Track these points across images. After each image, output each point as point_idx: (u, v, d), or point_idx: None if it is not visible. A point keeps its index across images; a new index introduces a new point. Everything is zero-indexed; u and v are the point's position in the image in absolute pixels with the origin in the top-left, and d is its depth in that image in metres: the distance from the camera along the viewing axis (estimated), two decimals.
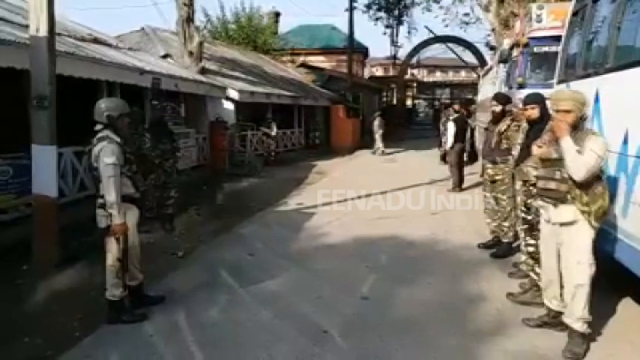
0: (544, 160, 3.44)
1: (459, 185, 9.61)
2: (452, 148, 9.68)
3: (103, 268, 3.93)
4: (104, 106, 3.91)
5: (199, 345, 3.52)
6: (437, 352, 3.45)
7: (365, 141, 20.77)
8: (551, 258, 3.52)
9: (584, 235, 3.31)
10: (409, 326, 3.83)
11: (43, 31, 4.95)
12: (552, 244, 3.48)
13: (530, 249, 4.27)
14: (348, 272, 5.07)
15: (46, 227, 5.03)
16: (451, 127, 9.80)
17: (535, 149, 3.48)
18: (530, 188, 4.18)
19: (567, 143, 3.21)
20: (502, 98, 5.70)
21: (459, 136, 9.61)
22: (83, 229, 5.32)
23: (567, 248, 3.36)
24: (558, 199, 3.33)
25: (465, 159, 9.86)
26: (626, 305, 4.03)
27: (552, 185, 3.35)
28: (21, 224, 5.54)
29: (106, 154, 3.69)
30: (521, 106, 4.72)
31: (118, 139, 3.85)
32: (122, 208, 3.75)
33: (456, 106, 11.03)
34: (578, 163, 3.17)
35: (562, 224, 3.36)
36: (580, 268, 3.30)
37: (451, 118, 10.41)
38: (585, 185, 3.23)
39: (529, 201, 4.20)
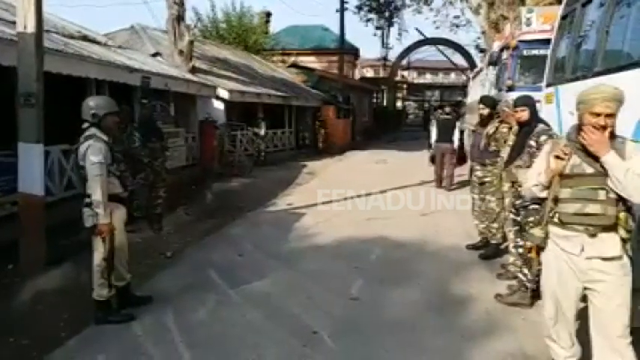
0: (567, 177, 2.63)
1: (438, 182, 10.19)
2: (434, 146, 10.49)
3: (89, 268, 3.88)
4: (92, 104, 3.87)
5: (188, 346, 3.50)
6: (426, 352, 3.46)
7: (356, 142, 20.85)
8: (572, 304, 2.73)
9: (627, 268, 2.61)
10: (398, 327, 3.83)
11: (31, 28, 4.88)
12: (574, 287, 2.69)
13: (520, 250, 4.31)
14: (338, 273, 5.07)
15: (32, 226, 4.96)
16: (434, 128, 10.57)
17: (553, 162, 2.63)
18: (519, 189, 4.22)
19: (615, 158, 2.51)
20: (489, 101, 5.75)
21: (442, 137, 10.21)
22: (70, 228, 5.25)
23: (611, 289, 2.59)
24: (601, 226, 2.57)
25: (451, 161, 10.22)
26: None
27: (596, 209, 2.55)
28: (7, 223, 5.45)
29: (92, 152, 3.65)
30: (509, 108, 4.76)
31: (105, 138, 3.81)
32: (109, 208, 3.71)
33: (447, 109, 11.31)
34: (637, 182, 2.45)
35: (604, 259, 2.58)
36: (624, 312, 2.60)
37: (435, 118, 10.94)
38: (630, 207, 2.61)
39: (517, 202, 4.24)
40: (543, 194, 2.78)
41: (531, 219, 4.13)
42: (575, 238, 2.63)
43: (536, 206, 4.12)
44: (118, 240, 3.87)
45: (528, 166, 4.15)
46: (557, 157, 2.65)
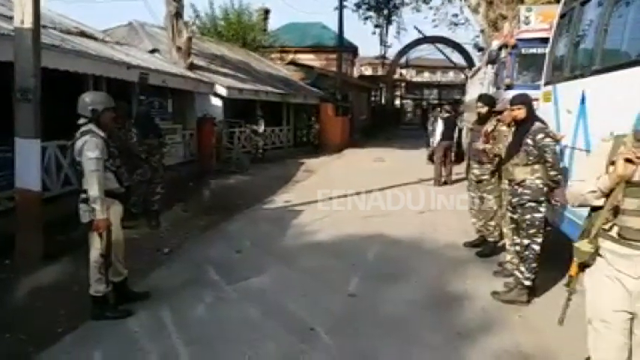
0: (636, 185, 2.22)
1: (440, 181, 10.38)
2: (438, 144, 10.57)
3: (87, 264, 3.87)
4: (89, 99, 3.85)
5: (185, 342, 3.49)
6: (422, 349, 3.47)
7: (354, 140, 20.85)
8: (626, 334, 2.34)
9: None
10: (395, 324, 3.84)
11: (28, 23, 4.86)
12: (627, 313, 2.32)
13: (517, 248, 4.32)
14: (335, 270, 5.07)
15: (29, 222, 4.95)
16: (439, 125, 10.62)
17: (622, 166, 2.20)
18: (516, 187, 4.24)
19: None
20: (487, 99, 5.76)
21: (446, 135, 10.42)
22: (67, 224, 5.23)
23: None
24: None
25: (452, 158, 10.29)
26: None
27: None
28: (4, 218, 5.44)
29: (89, 148, 3.65)
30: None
31: (102, 134, 3.80)
32: (105, 203, 3.70)
33: (447, 107, 11.51)
34: None
35: None
36: None
37: (440, 116, 11.02)
38: None
39: (514, 200, 4.25)
40: (599, 202, 2.33)
41: (527, 217, 4.17)
42: (637, 257, 2.25)
43: (533, 204, 4.16)
44: (114, 236, 3.86)
45: (525, 164, 4.17)
46: (628, 160, 2.19)
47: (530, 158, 4.14)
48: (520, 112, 4.26)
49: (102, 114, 3.83)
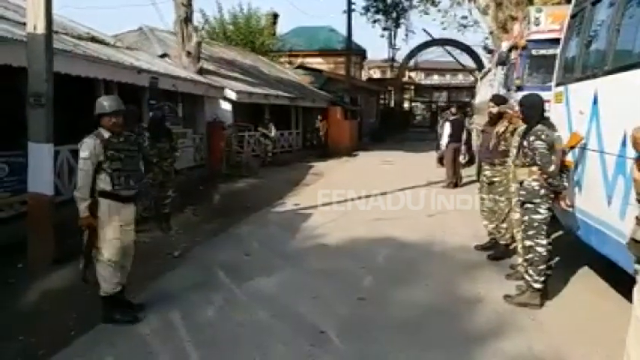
0: None
1: (454, 183, 10.25)
2: (447, 146, 10.60)
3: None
4: (107, 103, 3.88)
5: (195, 345, 3.50)
6: (434, 353, 3.44)
7: (363, 143, 20.82)
8: None
9: None
10: (406, 327, 3.81)
11: (41, 29, 4.92)
12: None
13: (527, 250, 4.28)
14: (345, 273, 5.05)
15: (41, 225, 5.00)
16: (447, 128, 10.67)
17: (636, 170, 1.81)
18: (518, 188, 4.23)
19: None
20: (499, 100, 5.72)
21: (455, 136, 10.43)
22: (79, 227, 5.27)
23: None
24: None
25: (462, 160, 10.25)
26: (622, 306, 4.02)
27: None
28: (16, 222, 5.49)
29: (82, 148, 3.72)
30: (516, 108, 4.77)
31: (107, 135, 3.80)
32: (87, 202, 3.72)
33: (453, 109, 11.49)
34: None
35: None
36: None
37: (450, 119, 11.00)
38: None
39: (514, 200, 4.23)
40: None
41: (526, 218, 4.14)
42: None
43: (530, 205, 4.13)
44: (125, 240, 3.87)
45: (523, 166, 4.17)
46: None
47: (527, 160, 4.15)
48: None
49: (100, 118, 3.83)
